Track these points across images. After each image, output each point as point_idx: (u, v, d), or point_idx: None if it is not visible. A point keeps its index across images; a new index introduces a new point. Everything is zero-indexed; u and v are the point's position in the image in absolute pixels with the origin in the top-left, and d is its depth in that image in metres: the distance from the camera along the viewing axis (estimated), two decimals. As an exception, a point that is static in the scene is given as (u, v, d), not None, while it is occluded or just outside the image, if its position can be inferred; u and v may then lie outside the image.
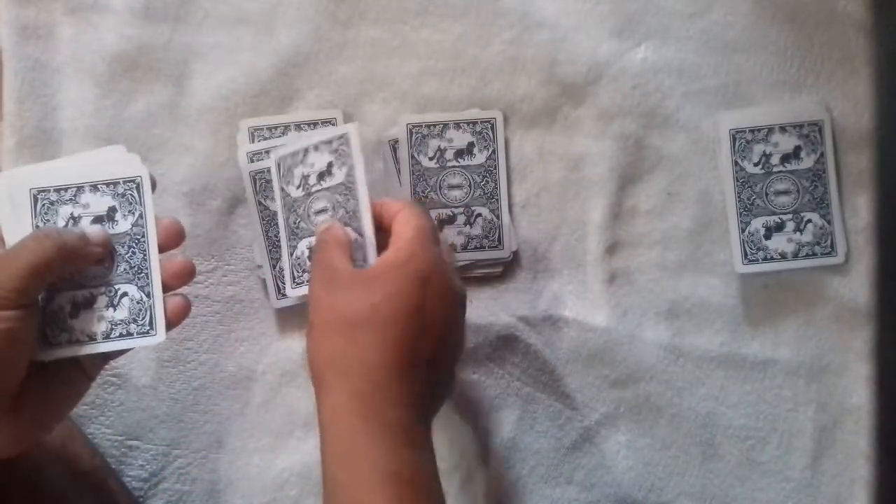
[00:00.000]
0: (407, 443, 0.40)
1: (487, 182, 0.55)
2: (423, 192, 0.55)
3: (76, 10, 0.56)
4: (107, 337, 0.45)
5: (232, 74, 0.56)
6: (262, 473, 0.55)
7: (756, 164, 0.55)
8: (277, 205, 0.51)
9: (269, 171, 0.54)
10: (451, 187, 0.55)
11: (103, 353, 0.45)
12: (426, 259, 0.42)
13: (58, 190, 0.45)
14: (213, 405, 0.55)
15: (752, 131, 0.54)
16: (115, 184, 0.46)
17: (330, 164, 0.50)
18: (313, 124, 0.55)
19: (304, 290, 0.54)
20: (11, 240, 0.43)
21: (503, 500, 0.55)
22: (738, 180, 0.54)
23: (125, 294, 0.45)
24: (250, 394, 0.55)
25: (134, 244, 0.46)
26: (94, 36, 0.56)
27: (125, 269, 0.46)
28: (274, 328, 0.56)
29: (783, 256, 0.54)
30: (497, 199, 0.55)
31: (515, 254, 0.56)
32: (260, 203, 0.55)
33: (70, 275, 0.44)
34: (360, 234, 0.46)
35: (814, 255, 0.54)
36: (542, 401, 0.55)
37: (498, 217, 0.55)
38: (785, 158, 0.55)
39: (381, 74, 0.56)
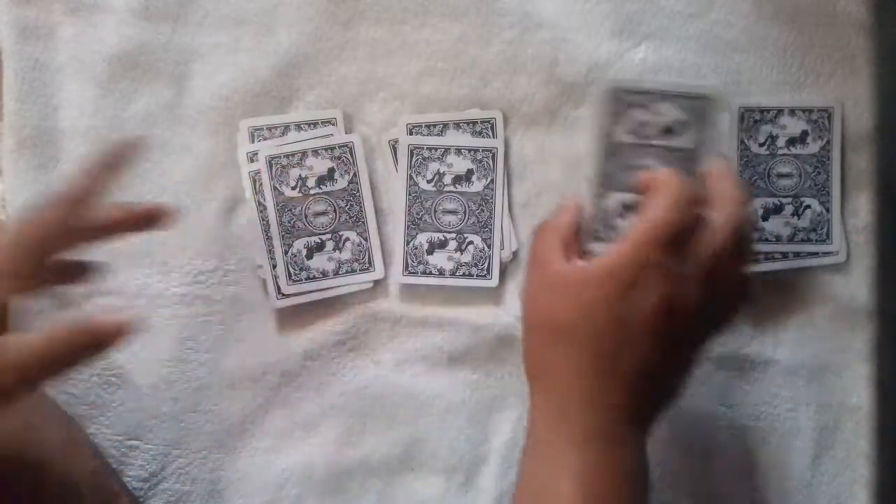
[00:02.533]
0: (598, 445, 0.40)
1: (482, 210, 0.55)
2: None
3: (76, 10, 0.56)
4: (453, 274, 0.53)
5: (232, 74, 0.56)
6: (263, 473, 0.55)
7: (761, 145, 0.55)
8: (269, 203, 0.52)
9: (269, 171, 0.54)
10: (447, 212, 0.55)
11: None
12: (643, 264, 0.39)
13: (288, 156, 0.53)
14: (213, 405, 0.55)
15: (761, 111, 0.54)
16: (333, 148, 0.54)
17: (331, 171, 0.52)
18: (313, 124, 0.55)
19: (300, 288, 0.54)
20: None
21: (503, 500, 0.55)
22: (741, 159, 0.55)
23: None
24: (250, 394, 0.55)
25: (351, 198, 0.53)
26: (94, 36, 0.56)
27: (345, 219, 0.54)
28: (274, 328, 0.56)
29: (778, 239, 0.54)
30: (490, 229, 0.55)
31: (515, 254, 0.56)
32: (260, 203, 0.55)
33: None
34: (365, 238, 0.48)
35: (809, 240, 0.54)
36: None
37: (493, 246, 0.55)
38: (791, 142, 0.55)
39: (381, 74, 0.56)
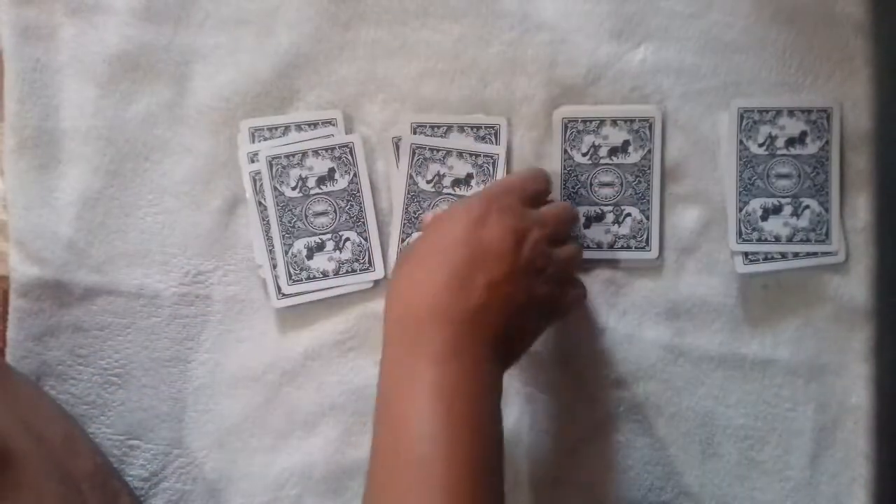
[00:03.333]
0: (454, 361, 0.42)
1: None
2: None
3: (77, 10, 0.56)
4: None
5: (232, 75, 0.56)
6: (263, 473, 0.55)
7: (760, 146, 0.55)
8: (269, 203, 0.52)
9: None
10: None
11: None
12: (494, 202, 0.46)
13: (288, 156, 0.54)
14: (213, 405, 0.55)
15: (760, 112, 0.55)
16: (333, 149, 0.54)
17: (332, 171, 0.53)
18: (314, 125, 0.55)
19: (300, 288, 0.54)
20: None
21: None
22: (740, 159, 0.55)
23: (347, 239, 0.54)
24: (251, 393, 0.55)
25: (351, 198, 0.54)
26: (94, 37, 0.56)
27: (346, 220, 0.54)
28: (274, 328, 0.56)
29: (777, 239, 0.54)
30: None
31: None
32: (260, 203, 0.55)
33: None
34: (365, 238, 0.49)
35: (808, 240, 0.54)
36: (542, 401, 0.55)
37: None
38: (790, 142, 0.55)
39: (382, 75, 0.56)
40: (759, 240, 0.55)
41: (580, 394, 0.55)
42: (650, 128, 0.55)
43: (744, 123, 0.55)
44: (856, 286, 0.55)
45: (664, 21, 0.55)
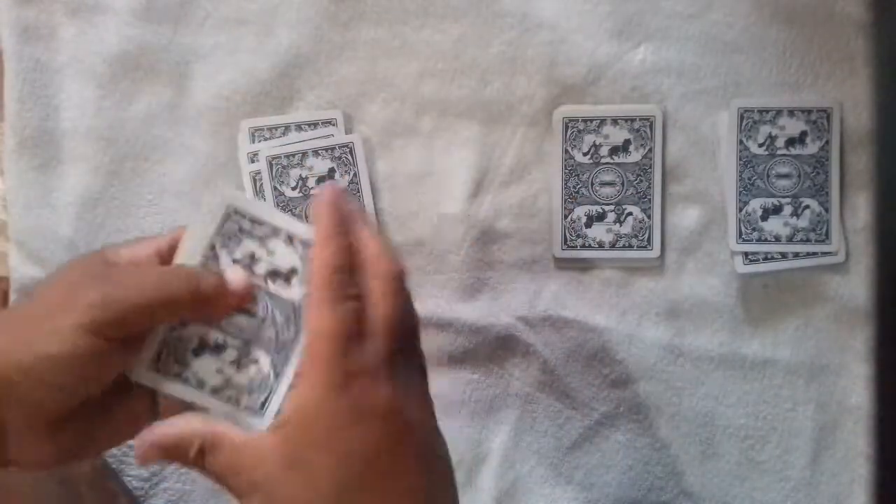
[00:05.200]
0: None
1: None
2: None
3: (77, 10, 0.56)
4: (215, 394, 0.38)
5: (232, 75, 0.56)
6: (263, 473, 0.55)
7: (760, 146, 0.55)
8: (269, 203, 0.51)
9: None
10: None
11: (189, 404, 0.39)
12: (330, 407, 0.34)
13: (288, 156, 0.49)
14: (213, 405, 0.55)
15: (760, 112, 0.55)
16: (333, 149, 0.51)
17: (332, 171, 0.51)
18: (314, 125, 0.55)
19: None
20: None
21: (503, 499, 0.55)
22: (740, 159, 0.55)
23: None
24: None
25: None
26: (95, 37, 0.56)
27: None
28: (274, 328, 0.56)
29: (777, 239, 0.54)
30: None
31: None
32: (260, 203, 0.55)
33: (206, 321, 0.39)
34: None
35: (808, 240, 0.54)
36: (542, 401, 0.55)
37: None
38: (790, 142, 0.55)
39: (382, 75, 0.56)
40: (759, 240, 0.55)
41: (580, 394, 0.55)
42: (651, 126, 0.55)
43: (744, 123, 0.55)
44: (856, 286, 0.55)
45: (664, 21, 0.55)
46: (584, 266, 0.55)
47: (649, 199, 0.55)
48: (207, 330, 0.39)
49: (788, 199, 0.55)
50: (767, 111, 0.55)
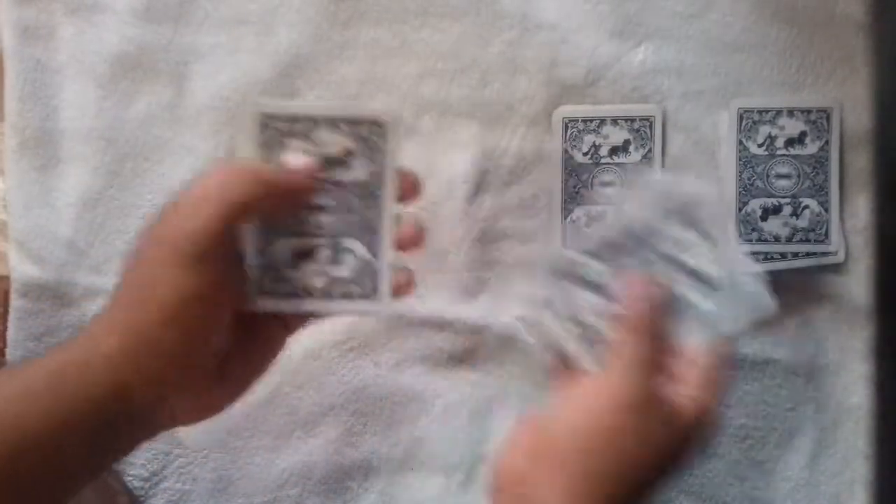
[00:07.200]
0: None
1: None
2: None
3: (77, 10, 0.56)
4: (327, 295, 0.40)
5: (232, 75, 0.56)
6: (263, 473, 0.55)
7: (760, 146, 0.55)
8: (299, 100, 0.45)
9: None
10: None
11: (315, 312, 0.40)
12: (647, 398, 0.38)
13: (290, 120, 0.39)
14: (213, 405, 0.55)
15: (760, 112, 0.55)
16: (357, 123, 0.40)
17: (349, 152, 0.40)
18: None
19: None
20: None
21: (503, 499, 0.55)
22: (740, 159, 0.55)
23: (349, 250, 0.40)
24: (251, 393, 0.55)
25: (367, 196, 0.40)
26: (95, 37, 0.56)
27: (356, 222, 0.40)
28: (274, 328, 0.56)
29: (777, 239, 0.54)
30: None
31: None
32: (260, 203, 0.55)
33: (283, 221, 0.39)
34: (374, 254, 0.40)
35: (807, 240, 0.54)
36: (542, 400, 0.55)
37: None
38: (789, 143, 0.55)
39: (382, 75, 0.56)
40: (759, 240, 0.55)
41: (580, 394, 0.55)
42: (651, 126, 0.55)
43: (744, 123, 0.55)
44: (855, 286, 0.55)
45: (664, 21, 0.55)
46: (584, 266, 0.55)
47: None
48: (295, 241, 0.39)
49: (788, 200, 0.55)
50: (767, 111, 0.55)
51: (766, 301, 0.40)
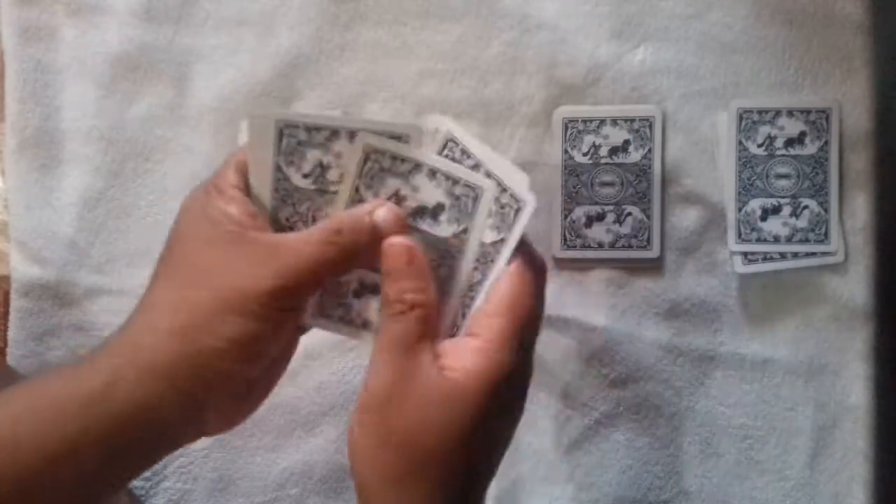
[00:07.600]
0: None
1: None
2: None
3: (78, 11, 0.56)
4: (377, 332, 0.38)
5: (233, 75, 0.56)
6: (264, 472, 0.55)
7: (760, 146, 0.55)
8: (268, 178, 0.38)
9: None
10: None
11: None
12: (514, 371, 0.37)
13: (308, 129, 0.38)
14: (214, 404, 0.55)
15: (759, 112, 0.55)
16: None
17: (441, 206, 0.39)
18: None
19: None
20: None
21: (503, 499, 0.55)
22: (740, 160, 0.55)
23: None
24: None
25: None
26: (95, 37, 0.56)
27: None
28: (275, 328, 0.56)
29: (776, 239, 0.55)
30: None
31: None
32: (261, 203, 0.55)
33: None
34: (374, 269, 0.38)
35: (807, 240, 0.55)
36: (542, 400, 0.56)
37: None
38: (789, 143, 0.55)
39: (382, 75, 0.56)
40: (759, 240, 0.55)
41: (580, 393, 0.55)
42: (650, 127, 0.55)
43: (743, 124, 0.55)
44: (855, 286, 0.55)
45: (664, 21, 0.55)
46: (583, 266, 0.56)
47: (649, 200, 0.55)
48: (365, 273, 0.39)
49: (787, 200, 0.55)
50: (766, 112, 0.55)
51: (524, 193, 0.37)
